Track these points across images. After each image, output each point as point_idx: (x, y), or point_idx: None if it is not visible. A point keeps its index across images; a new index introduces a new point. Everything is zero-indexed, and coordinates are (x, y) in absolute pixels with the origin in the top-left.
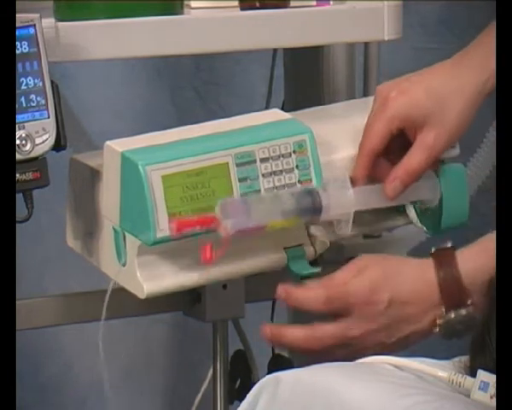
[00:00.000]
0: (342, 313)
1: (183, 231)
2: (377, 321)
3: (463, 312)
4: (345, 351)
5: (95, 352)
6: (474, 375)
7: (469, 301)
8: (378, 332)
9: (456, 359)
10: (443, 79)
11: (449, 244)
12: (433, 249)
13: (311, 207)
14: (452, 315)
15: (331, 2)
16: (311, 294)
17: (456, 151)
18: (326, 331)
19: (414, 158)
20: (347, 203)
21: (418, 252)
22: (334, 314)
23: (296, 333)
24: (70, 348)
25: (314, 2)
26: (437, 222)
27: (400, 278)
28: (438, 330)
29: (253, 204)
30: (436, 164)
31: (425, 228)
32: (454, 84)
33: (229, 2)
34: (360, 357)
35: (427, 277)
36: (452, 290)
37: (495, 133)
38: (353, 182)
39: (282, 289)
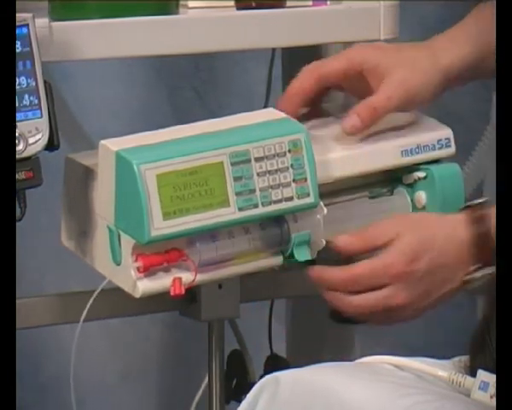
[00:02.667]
0: (382, 285)
1: (150, 269)
2: (417, 288)
3: (490, 270)
4: (385, 317)
5: (94, 352)
6: (474, 375)
7: None
8: (418, 298)
9: (456, 359)
10: (415, 49)
11: (482, 199)
12: (466, 204)
13: (278, 240)
14: (480, 273)
15: (328, 2)
16: (350, 273)
17: (451, 150)
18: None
19: (376, 97)
20: (318, 232)
21: None
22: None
23: (335, 273)
24: (70, 347)
25: (310, 2)
26: None
27: (435, 242)
28: (468, 286)
29: (220, 238)
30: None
31: None
32: (424, 54)
33: (225, 2)
34: (399, 322)
35: (459, 235)
36: (481, 248)
37: (492, 132)
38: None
39: (316, 272)
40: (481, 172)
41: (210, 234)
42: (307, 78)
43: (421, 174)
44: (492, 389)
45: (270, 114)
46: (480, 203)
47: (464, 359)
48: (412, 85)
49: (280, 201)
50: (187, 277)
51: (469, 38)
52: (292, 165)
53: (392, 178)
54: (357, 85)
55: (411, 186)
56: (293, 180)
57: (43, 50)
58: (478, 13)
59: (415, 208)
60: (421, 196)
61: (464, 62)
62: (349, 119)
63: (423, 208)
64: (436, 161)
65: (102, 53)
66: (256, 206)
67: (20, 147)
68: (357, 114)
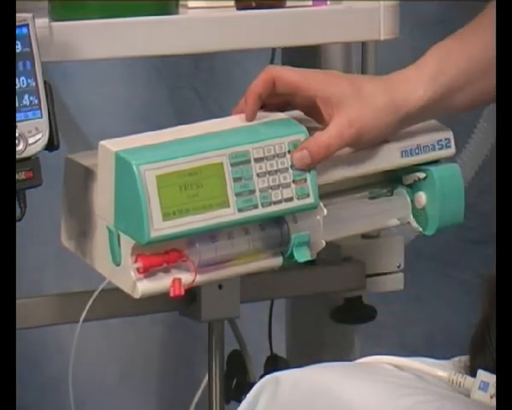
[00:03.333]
0: None
1: (149, 270)
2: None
3: None
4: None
5: (94, 352)
6: (474, 375)
7: None
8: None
9: (456, 359)
10: (371, 84)
11: None
12: None
13: (278, 241)
14: None
15: (328, 2)
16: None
17: (451, 151)
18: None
19: (327, 134)
20: (317, 233)
21: (416, 252)
22: None
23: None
24: (70, 347)
25: (310, 2)
26: (432, 222)
27: None
28: None
29: (220, 239)
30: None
31: (420, 228)
32: (380, 90)
33: (225, 2)
34: None
35: None
36: None
37: (485, 125)
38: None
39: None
40: (475, 164)
41: (210, 235)
42: (261, 76)
43: (420, 175)
44: (492, 389)
45: (270, 114)
46: None
47: (464, 359)
48: (364, 124)
49: (280, 201)
50: (186, 277)
51: (431, 76)
52: (292, 166)
53: (391, 179)
54: (305, 105)
55: (411, 187)
56: (293, 181)
57: (43, 50)
58: (438, 50)
59: (414, 209)
60: (421, 196)
61: (425, 101)
62: (300, 153)
63: (423, 209)
64: (436, 162)
65: (102, 53)
66: (256, 207)
67: (20, 147)
68: (309, 150)
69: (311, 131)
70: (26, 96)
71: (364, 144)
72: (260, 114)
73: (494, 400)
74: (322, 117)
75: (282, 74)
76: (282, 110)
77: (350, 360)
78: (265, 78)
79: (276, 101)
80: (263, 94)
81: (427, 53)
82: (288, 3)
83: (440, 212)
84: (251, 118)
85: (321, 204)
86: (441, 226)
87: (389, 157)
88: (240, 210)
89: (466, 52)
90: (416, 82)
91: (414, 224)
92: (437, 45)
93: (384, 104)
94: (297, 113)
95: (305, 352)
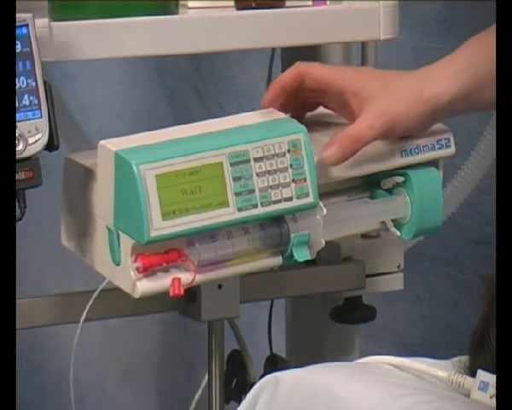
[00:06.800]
0: None
1: (149, 269)
2: None
3: None
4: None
5: (94, 352)
6: (473, 375)
7: None
8: None
9: (456, 359)
10: (400, 78)
11: None
12: None
13: (278, 241)
14: None
15: (328, 2)
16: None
17: (451, 150)
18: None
19: (358, 126)
20: (317, 233)
21: (416, 252)
22: None
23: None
24: (70, 347)
25: (310, 2)
26: (410, 226)
27: None
28: None
29: (220, 238)
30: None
31: (398, 233)
32: (409, 83)
33: (225, 2)
34: None
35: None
36: None
37: (492, 132)
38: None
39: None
40: (481, 172)
41: (209, 234)
42: (290, 70)
43: (399, 179)
44: (492, 389)
45: (270, 114)
46: None
47: (464, 359)
48: (395, 115)
49: (279, 201)
50: (186, 277)
51: (459, 70)
52: (291, 165)
53: (370, 183)
54: (336, 102)
55: (390, 191)
56: (293, 180)
57: (43, 50)
58: (470, 44)
59: None
60: None
61: (453, 94)
62: (330, 148)
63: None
64: (416, 166)
65: (102, 53)
66: (255, 206)
67: (19, 147)
68: (339, 143)
69: (318, 130)
70: (26, 96)
71: (397, 136)
72: (260, 113)
73: (494, 400)
74: (353, 114)
75: (311, 70)
76: (312, 110)
77: (350, 360)
78: (294, 73)
79: (305, 100)
80: (287, 87)
81: (460, 46)
82: (288, 3)
83: (418, 216)
84: (267, 105)
85: (320, 204)
86: (419, 233)
87: (389, 157)
88: (239, 210)
89: None
90: (445, 75)
91: (392, 228)
92: (472, 38)
93: (414, 96)
94: (327, 111)
95: (304, 352)
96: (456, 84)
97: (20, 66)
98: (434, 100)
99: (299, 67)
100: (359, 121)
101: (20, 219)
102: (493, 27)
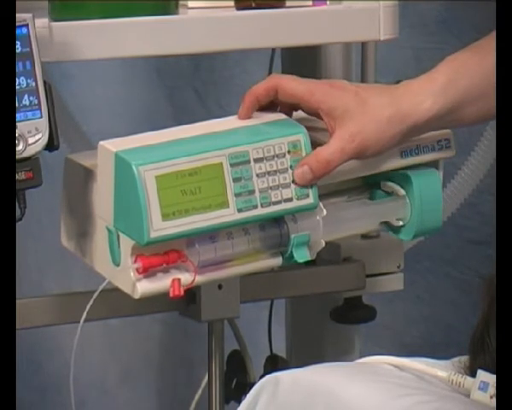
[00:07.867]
0: None
1: (149, 270)
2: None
3: None
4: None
5: (95, 352)
6: (473, 375)
7: None
8: None
9: (456, 359)
10: (377, 95)
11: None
12: None
13: (278, 241)
14: None
15: (328, 2)
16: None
17: (451, 151)
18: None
19: (329, 149)
20: (317, 233)
21: (416, 252)
22: None
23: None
24: (70, 347)
25: (310, 2)
26: (410, 229)
27: None
28: None
29: (220, 239)
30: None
31: (397, 234)
32: (386, 101)
33: (225, 2)
34: None
35: None
36: None
37: (492, 132)
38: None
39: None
40: (481, 172)
41: (209, 235)
42: (263, 83)
43: (399, 191)
44: (492, 390)
45: (270, 114)
46: None
47: (464, 359)
48: (367, 139)
49: (279, 202)
50: (186, 278)
51: (439, 90)
52: (291, 166)
53: (370, 184)
54: (310, 114)
55: (389, 192)
56: (293, 181)
57: (43, 50)
58: (451, 62)
59: None
60: None
61: (432, 115)
62: (300, 169)
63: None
64: (416, 166)
65: (102, 53)
66: (255, 207)
67: (19, 147)
68: (309, 166)
69: (317, 131)
70: (26, 97)
71: (368, 157)
72: (260, 114)
73: (494, 400)
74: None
75: (284, 84)
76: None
77: (350, 360)
78: (268, 85)
79: (283, 107)
80: (261, 99)
81: (440, 63)
82: (288, 3)
83: (418, 217)
84: (244, 116)
85: (320, 204)
86: (419, 231)
87: (389, 158)
88: (239, 210)
89: (481, 65)
90: (426, 93)
91: (390, 231)
92: (451, 56)
93: (389, 116)
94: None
95: (304, 352)
96: (435, 105)
97: (20, 66)
98: (411, 118)
99: (272, 80)
100: (331, 144)
101: (20, 219)
102: (473, 45)
